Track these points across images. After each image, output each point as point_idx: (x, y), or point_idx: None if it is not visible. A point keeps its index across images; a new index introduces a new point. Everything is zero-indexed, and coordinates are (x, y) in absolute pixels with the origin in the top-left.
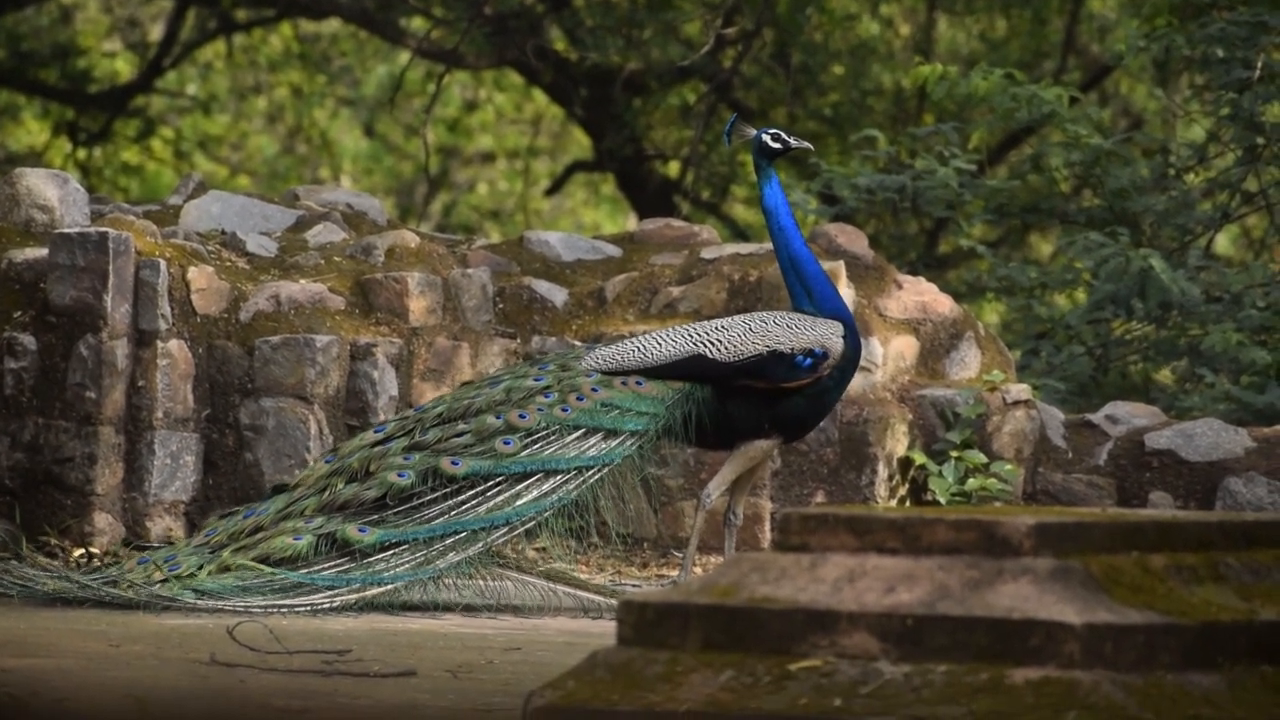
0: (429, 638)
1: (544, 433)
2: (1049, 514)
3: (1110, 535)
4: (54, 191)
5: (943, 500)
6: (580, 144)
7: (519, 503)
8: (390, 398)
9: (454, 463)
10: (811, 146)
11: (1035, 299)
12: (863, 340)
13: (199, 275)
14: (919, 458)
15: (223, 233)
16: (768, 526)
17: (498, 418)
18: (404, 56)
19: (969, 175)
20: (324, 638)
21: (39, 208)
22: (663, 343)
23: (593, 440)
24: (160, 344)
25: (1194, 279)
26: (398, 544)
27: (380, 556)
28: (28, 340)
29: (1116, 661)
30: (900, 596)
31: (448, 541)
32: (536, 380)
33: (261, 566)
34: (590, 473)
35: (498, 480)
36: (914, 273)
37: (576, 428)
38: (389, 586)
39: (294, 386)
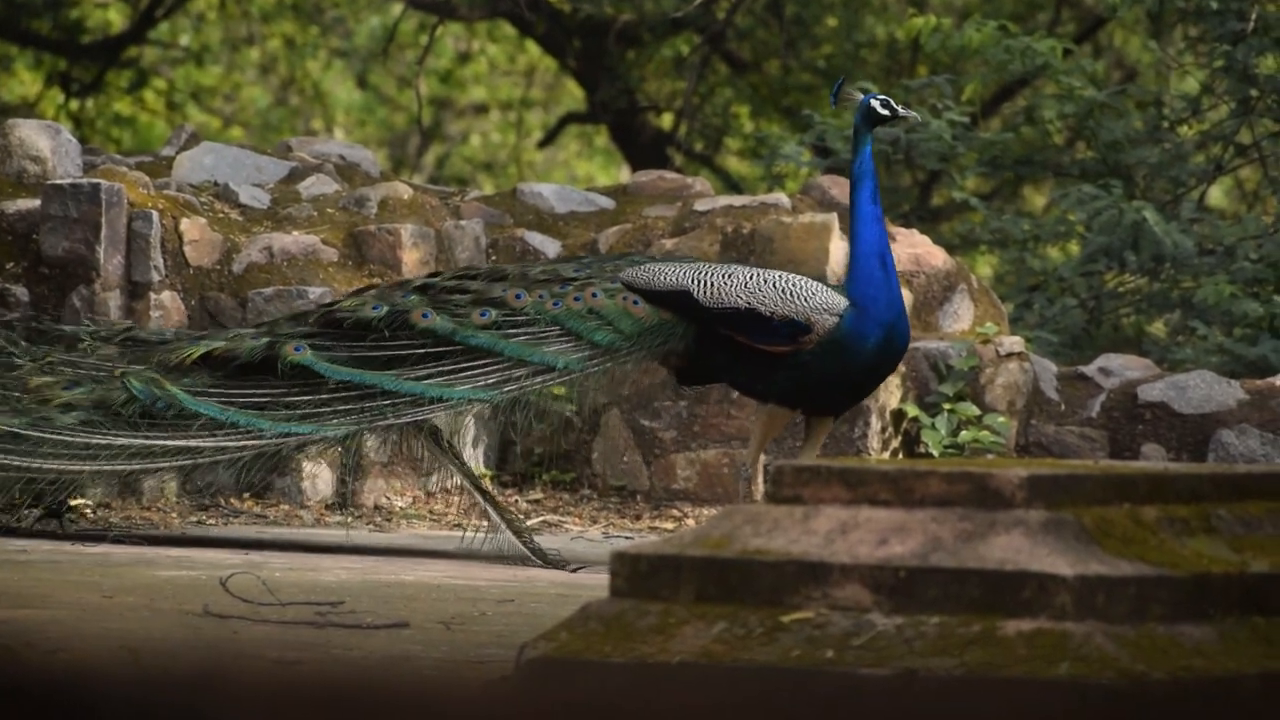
0: (422, 589)
1: (524, 320)
2: (1041, 466)
3: (1102, 487)
4: (46, 142)
5: (935, 452)
6: (573, 96)
7: (457, 387)
8: None
9: (424, 315)
10: (919, 118)
11: (1028, 251)
12: (897, 334)
13: (192, 227)
14: (912, 410)
15: (215, 184)
16: (760, 479)
17: (504, 290)
18: (397, 8)
19: (962, 127)
20: (317, 589)
21: (31, 159)
22: (669, 272)
23: (558, 344)
24: (153, 295)
25: (1187, 231)
26: (317, 379)
27: (294, 388)
28: (20, 291)
29: (1108, 613)
30: (893, 548)
31: (358, 395)
32: (576, 272)
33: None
34: (530, 371)
35: (452, 351)
36: (907, 225)
37: (554, 323)
38: (274, 431)
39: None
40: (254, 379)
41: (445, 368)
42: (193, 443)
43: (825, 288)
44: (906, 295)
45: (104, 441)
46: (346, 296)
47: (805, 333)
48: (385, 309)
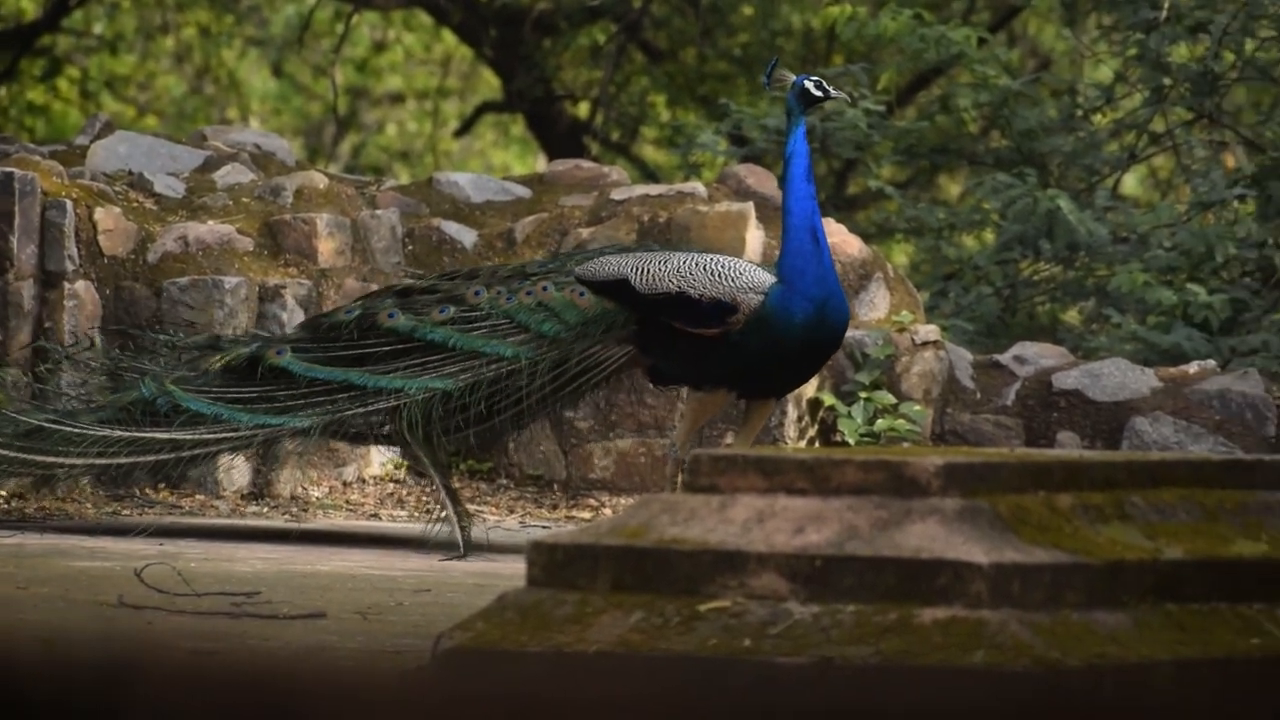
0: (338, 579)
1: (479, 315)
2: (957, 454)
3: (1018, 475)
4: None
5: (851, 441)
6: (489, 85)
7: (418, 379)
8: None
9: (390, 315)
10: (850, 99)
11: (943, 240)
12: (830, 310)
13: (106, 216)
14: (828, 399)
15: (130, 173)
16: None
17: (466, 288)
18: None
19: (878, 116)
20: (233, 579)
21: None
22: (614, 263)
23: (512, 336)
24: (67, 285)
25: (1101, 220)
26: (293, 377)
27: (279, 387)
28: None
29: (1023, 601)
30: (809, 537)
31: (328, 390)
32: (539, 268)
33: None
34: (484, 362)
35: (415, 348)
36: (823, 214)
37: (505, 317)
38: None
39: (202, 328)
40: (250, 381)
41: (411, 362)
42: (178, 435)
43: (756, 268)
44: None
45: (101, 434)
46: (354, 301)
47: (732, 313)
48: (357, 312)
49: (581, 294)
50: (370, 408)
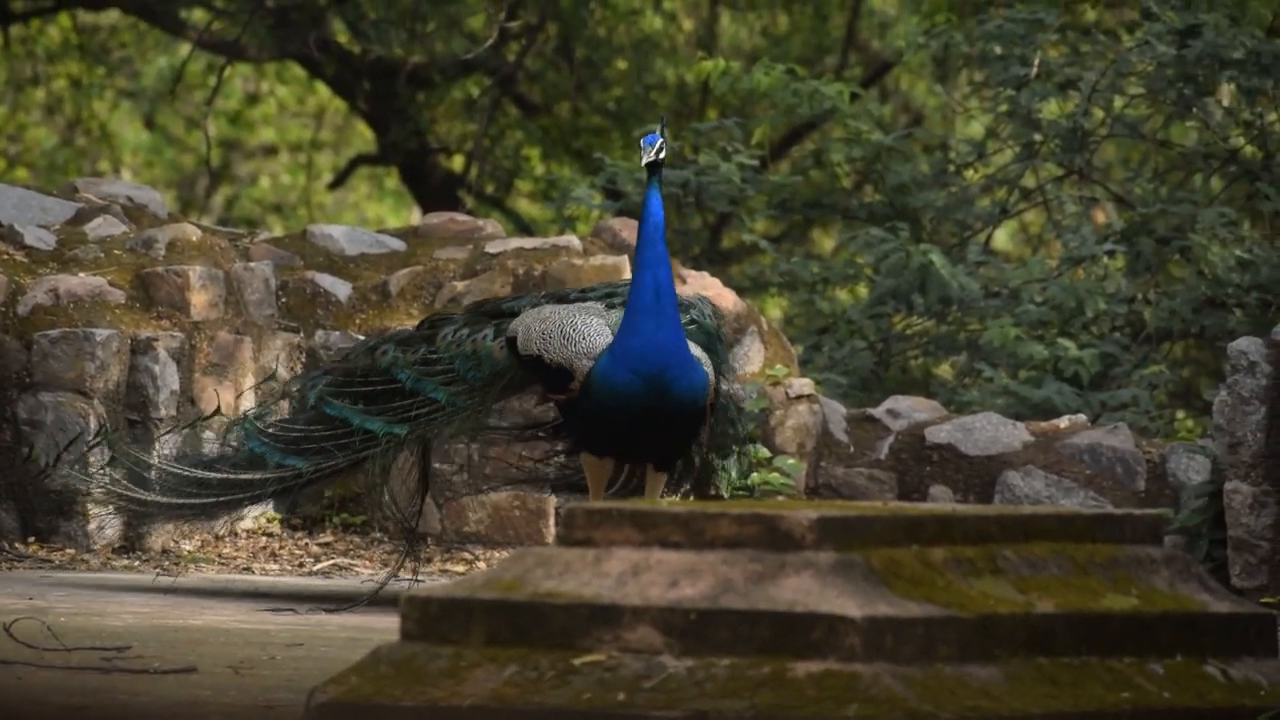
0: (210, 634)
1: (436, 358)
2: (831, 508)
3: (891, 529)
4: None
5: (726, 494)
6: (364, 137)
7: (379, 419)
8: (171, 392)
9: (384, 352)
10: (657, 155)
11: (817, 294)
12: (670, 380)
13: None
14: None
15: (0, 225)
16: (552, 521)
17: (447, 330)
18: (185, 48)
19: (752, 170)
20: (103, 634)
21: None
22: (520, 317)
23: (448, 380)
24: None
25: (973, 274)
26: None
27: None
28: None
29: (896, 654)
30: (684, 590)
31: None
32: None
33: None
34: (422, 402)
35: (395, 390)
36: (698, 267)
37: (449, 362)
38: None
39: (73, 381)
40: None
41: (395, 404)
42: (243, 476)
43: (605, 329)
44: None
45: (189, 475)
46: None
47: (571, 379)
48: (359, 354)
49: (503, 346)
50: (364, 455)
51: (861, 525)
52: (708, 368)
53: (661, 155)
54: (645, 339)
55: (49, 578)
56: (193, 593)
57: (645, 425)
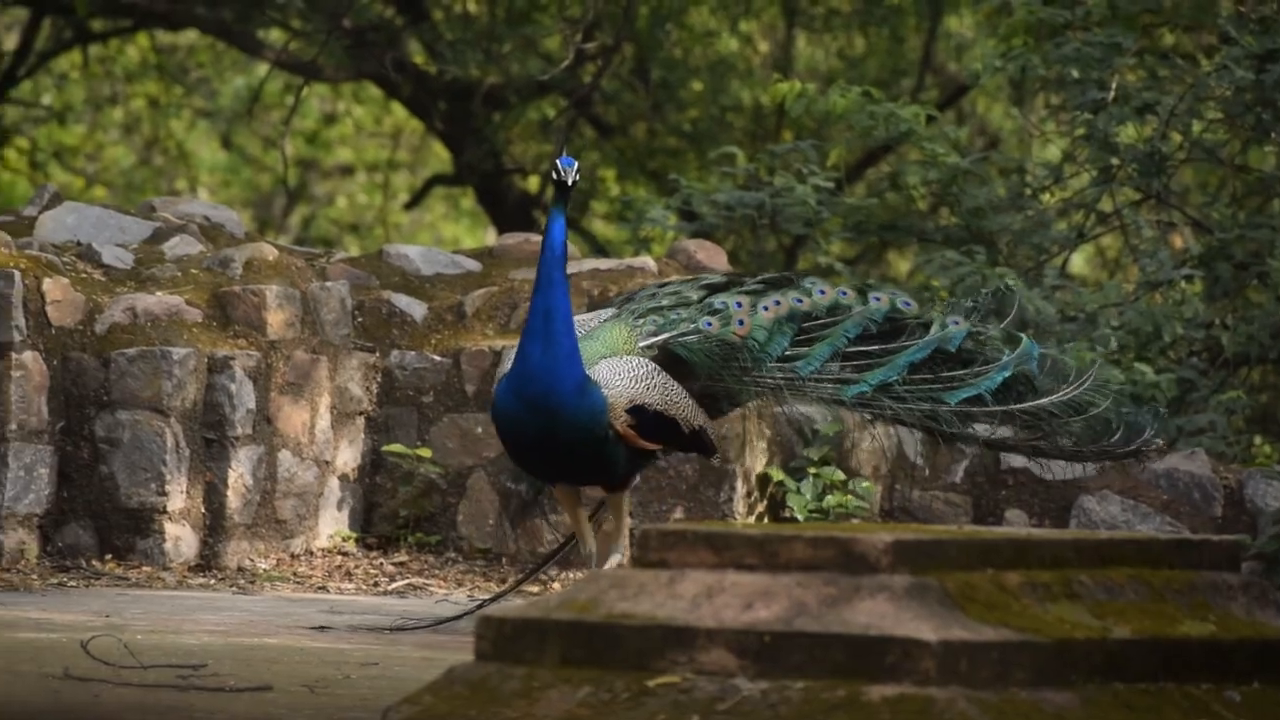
0: (285, 653)
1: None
2: (906, 531)
3: (966, 552)
4: None
5: (800, 517)
6: (440, 158)
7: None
8: (248, 411)
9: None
10: (570, 179)
11: None
12: (558, 405)
13: (54, 287)
14: (777, 474)
15: (78, 244)
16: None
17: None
18: (262, 68)
19: (827, 192)
20: (179, 652)
21: None
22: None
23: None
24: (14, 355)
25: (1049, 298)
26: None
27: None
28: None
29: (971, 678)
30: (758, 613)
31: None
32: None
33: None
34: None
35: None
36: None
37: None
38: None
39: (150, 399)
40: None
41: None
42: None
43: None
44: None
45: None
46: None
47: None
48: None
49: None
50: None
51: (936, 549)
52: (610, 391)
53: (573, 181)
54: (530, 364)
55: (125, 595)
56: (268, 611)
57: (548, 449)
